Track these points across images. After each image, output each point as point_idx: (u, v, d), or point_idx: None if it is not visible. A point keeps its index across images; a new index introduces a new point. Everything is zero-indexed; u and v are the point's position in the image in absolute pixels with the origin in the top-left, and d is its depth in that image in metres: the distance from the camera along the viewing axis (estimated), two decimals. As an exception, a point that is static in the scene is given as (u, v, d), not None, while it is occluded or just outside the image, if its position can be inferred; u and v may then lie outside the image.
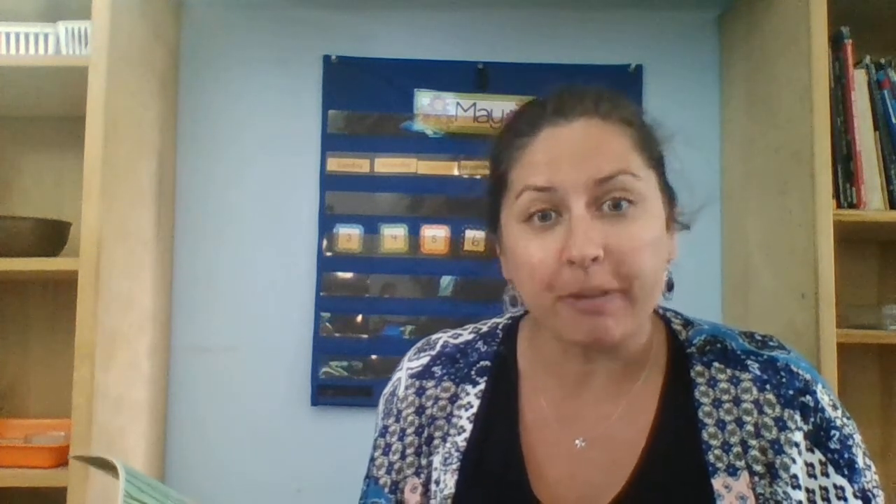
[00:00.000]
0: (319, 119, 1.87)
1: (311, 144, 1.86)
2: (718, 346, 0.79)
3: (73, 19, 1.53)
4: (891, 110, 1.53)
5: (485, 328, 0.88)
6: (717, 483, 0.71)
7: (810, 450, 0.73)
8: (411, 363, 0.86)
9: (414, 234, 1.85)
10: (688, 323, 0.82)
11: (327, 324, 1.82)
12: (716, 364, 0.77)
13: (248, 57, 1.88)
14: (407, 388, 0.84)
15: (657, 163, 0.75)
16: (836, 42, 1.51)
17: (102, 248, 1.41)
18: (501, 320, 0.88)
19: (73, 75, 1.45)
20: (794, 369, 0.76)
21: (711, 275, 1.83)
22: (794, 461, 0.71)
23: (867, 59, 1.54)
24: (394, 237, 1.85)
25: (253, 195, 1.86)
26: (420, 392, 0.83)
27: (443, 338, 0.87)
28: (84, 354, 1.38)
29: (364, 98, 1.87)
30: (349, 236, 1.84)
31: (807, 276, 1.43)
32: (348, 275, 1.84)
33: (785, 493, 0.70)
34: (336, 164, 1.86)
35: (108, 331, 1.45)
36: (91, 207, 1.41)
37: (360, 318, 1.83)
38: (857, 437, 0.75)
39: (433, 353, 0.86)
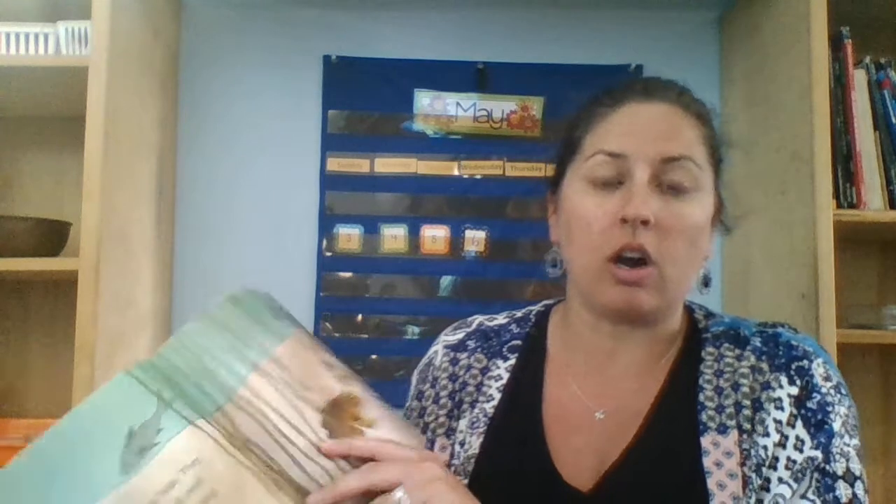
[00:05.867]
0: (319, 119, 1.87)
1: (311, 144, 1.86)
2: (732, 332, 0.82)
3: (73, 19, 1.53)
4: (891, 110, 1.53)
5: (519, 314, 0.93)
6: (706, 441, 0.74)
7: (790, 406, 0.75)
8: (447, 337, 0.92)
9: (414, 234, 1.85)
10: (710, 315, 0.86)
11: (327, 324, 1.82)
12: (726, 345, 0.81)
13: (248, 57, 1.88)
14: (443, 357, 0.90)
15: (717, 163, 0.81)
16: (836, 42, 1.51)
17: (102, 248, 1.41)
18: (535, 307, 0.93)
19: (73, 75, 1.45)
20: (795, 343, 0.78)
21: (712, 275, 1.82)
22: (768, 414, 0.74)
23: (867, 59, 1.54)
24: (394, 237, 1.85)
25: (253, 195, 1.86)
26: (454, 361, 0.89)
27: (479, 318, 0.93)
28: (84, 354, 1.38)
29: (364, 98, 1.87)
30: (349, 236, 1.84)
31: (807, 276, 1.43)
32: (348, 275, 1.84)
33: (756, 442, 0.73)
34: (336, 164, 1.86)
35: (108, 331, 1.45)
36: (91, 207, 1.41)
37: (360, 318, 1.83)
38: (842, 411, 0.75)
39: (469, 329, 0.92)
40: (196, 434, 0.58)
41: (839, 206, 1.47)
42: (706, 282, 0.83)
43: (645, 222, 0.73)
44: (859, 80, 1.52)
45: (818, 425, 0.73)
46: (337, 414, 0.65)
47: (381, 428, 0.67)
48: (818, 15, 1.44)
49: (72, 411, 0.58)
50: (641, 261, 0.74)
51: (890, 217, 1.50)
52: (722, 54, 1.88)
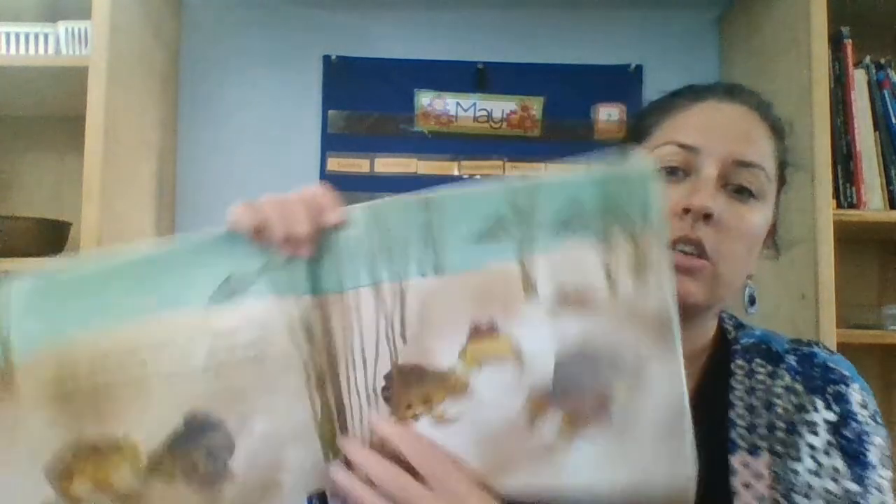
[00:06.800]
0: (319, 119, 1.87)
1: (311, 145, 1.86)
2: (763, 346, 0.80)
3: (73, 19, 1.53)
4: (891, 110, 1.53)
5: None
6: (736, 460, 0.72)
7: (826, 433, 0.73)
8: None
9: (414, 234, 1.84)
10: (739, 326, 0.84)
11: (327, 324, 1.82)
12: (757, 360, 0.79)
13: (248, 57, 1.88)
14: None
15: (781, 182, 0.81)
16: (836, 42, 1.51)
17: (102, 249, 1.41)
18: None
19: (73, 75, 1.45)
20: (832, 366, 0.76)
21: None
22: (802, 438, 0.72)
23: (867, 59, 1.54)
24: (394, 237, 1.84)
25: (253, 195, 1.83)
26: None
27: None
28: (84, 354, 1.38)
29: (364, 98, 1.87)
30: (349, 236, 1.84)
31: (807, 276, 1.43)
32: (348, 275, 1.84)
33: (791, 469, 0.71)
34: (336, 164, 1.86)
35: (108, 331, 1.45)
36: (91, 207, 1.41)
37: (360, 318, 1.83)
38: (878, 441, 0.73)
39: None
40: (276, 307, 0.61)
41: (839, 206, 1.47)
42: (752, 300, 0.81)
43: (708, 216, 0.71)
44: (859, 80, 1.52)
45: (854, 455, 0.71)
46: (406, 383, 0.60)
47: (450, 432, 0.59)
48: (818, 15, 1.44)
49: (192, 235, 0.63)
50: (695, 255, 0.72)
51: (890, 217, 1.49)
52: (722, 54, 1.88)
